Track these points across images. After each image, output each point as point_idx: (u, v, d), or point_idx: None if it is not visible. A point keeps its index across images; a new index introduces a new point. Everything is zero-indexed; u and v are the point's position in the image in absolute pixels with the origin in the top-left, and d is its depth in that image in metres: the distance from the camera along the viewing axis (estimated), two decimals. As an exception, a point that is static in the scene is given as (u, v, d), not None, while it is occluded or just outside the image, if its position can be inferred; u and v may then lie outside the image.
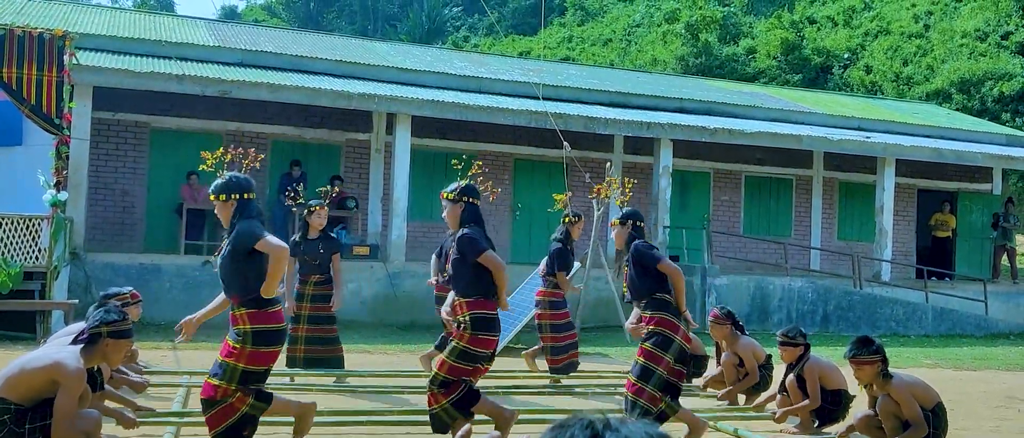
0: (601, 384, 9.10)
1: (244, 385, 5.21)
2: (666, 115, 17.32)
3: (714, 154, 18.50)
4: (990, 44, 31.62)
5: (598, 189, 6.61)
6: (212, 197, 5.41)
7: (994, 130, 22.43)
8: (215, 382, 5.23)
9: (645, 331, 6.29)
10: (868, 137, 18.04)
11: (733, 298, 15.20)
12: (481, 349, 5.80)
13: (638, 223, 6.45)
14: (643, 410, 6.10)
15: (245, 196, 5.37)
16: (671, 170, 16.19)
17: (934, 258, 19.47)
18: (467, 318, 5.83)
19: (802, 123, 19.35)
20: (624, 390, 6.28)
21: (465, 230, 5.88)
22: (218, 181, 5.45)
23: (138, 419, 5.99)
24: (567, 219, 9.38)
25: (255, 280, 5.22)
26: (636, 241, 6.37)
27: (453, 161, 6.17)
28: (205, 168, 5.57)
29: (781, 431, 7.29)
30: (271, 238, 5.22)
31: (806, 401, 7.18)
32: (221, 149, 5.76)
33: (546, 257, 9.29)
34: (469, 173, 6.28)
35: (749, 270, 17.39)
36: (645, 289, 6.23)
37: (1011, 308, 17.68)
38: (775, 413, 7.37)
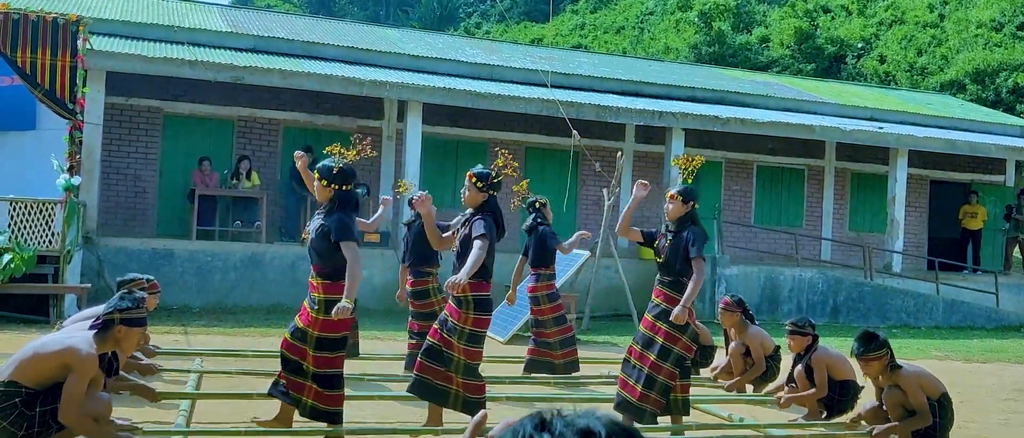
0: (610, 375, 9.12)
1: (318, 351, 5.67)
2: (678, 104, 17.27)
3: (726, 144, 18.45)
4: (1005, 34, 31.40)
5: (687, 160, 6.55)
6: (316, 176, 5.87)
7: (1008, 121, 22.30)
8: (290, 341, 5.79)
9: (659, 308, 6.43)
10: (881, 127, 17.96)
11: (743, 288, 15.20)
12: (483, 329, 6.10)
13: (695, 205, 6.53)
14: (662, 386, 6.33)
15: (343, 187, 5.79)
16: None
17: (962, 250, 19.36)
18: (470, 299, 5.99)
19: (815, 113, 19.28)
20: (634, 360, 6.46)
21: (481, 215, 6.10)
22: (324, 164, 5.87)
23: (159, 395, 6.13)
24: (539, 204, 9.06)
25: (339, 261, 5.67)
26: (695, 226, 6.43)
27: (498, 149, 6.35)
28: (334, 151, 6.02)
29: (790, 421, 7.31)
30: (353, 247, 5.66)
31: (813, 390, 7.21)
32: (352, 143, 6.18)
33: (535, 247, 8.86)
34: (498, 163, 6.47)
35: (760, 260, 17.37)
36: (676, 270, 6.35)
37: (1022, 300, 17.61)
38: (780, 399, 7.39)
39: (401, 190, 10.21)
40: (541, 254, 8.83)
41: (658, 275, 6.52)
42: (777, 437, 6.55)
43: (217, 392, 6.86)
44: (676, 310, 6.24)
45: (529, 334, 9.08)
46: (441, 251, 7.63)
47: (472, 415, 5.93)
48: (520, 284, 8.98)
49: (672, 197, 6.53)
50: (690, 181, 6.80)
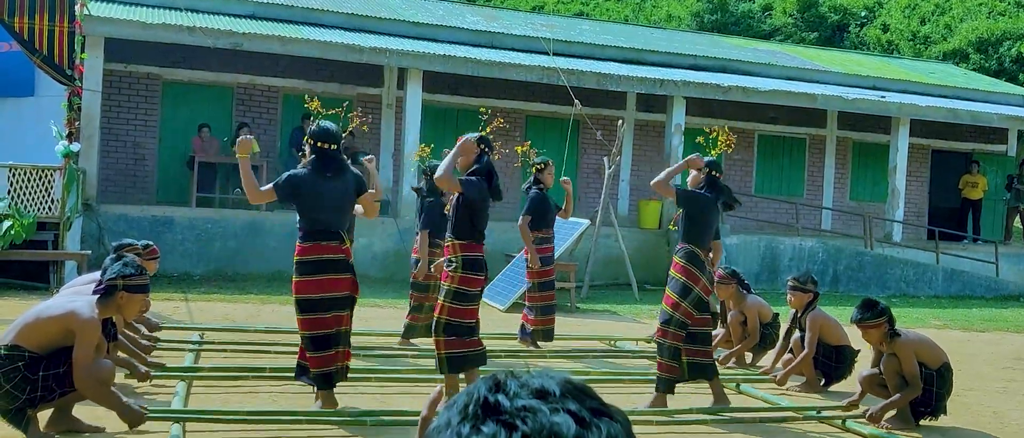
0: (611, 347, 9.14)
1: (301, 313, 5.81)
2: (679, 72, 17.18)
3: (727, 112, 18.38)
4: (1009, 3, 31.19)
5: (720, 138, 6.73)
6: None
7: (1011, 91, 22.20)
8: None
9: (670, 277, 6.54)
10: (883, 96, 17.88)
11: (743, 257, 15.21)
12: (471, 288, 6.05)
13: (714, 173, 6.57)
14: (670, 350, 6.40)
15: (318, 143, 5.91)
16: (684, 128, 16.10)
17: (962, 219, 19.37)
18: (459, 259, 6.04)
19: (817, 82, 19.18)
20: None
21: (467, 176, 6.11)
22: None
23: (150, 372, 6.11)
24: (536, 168, 8.91)
25: (307, 221, 5.86)
26: (708, 192, 6.51)
27: (480, 109, 6.37)
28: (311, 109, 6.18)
29: (787, 390, 7.34)
30: (276, 185, 5.89)
31: (804, 353, 7.23)
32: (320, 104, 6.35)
33: (527, 209, 8.76)
34: (488, 128, 6.52)
35: (760, 230, 17.37)
36: (683, 236, 6.48)
37: (1022, 270, 17.63)
38: (775, 376, 7.41)
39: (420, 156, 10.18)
40: (535, 216, 8.69)
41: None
42: (773, 418, 6.50)
43: (215, 371, 6.83)
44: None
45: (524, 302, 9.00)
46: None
47: (456, 374, 5.95)
48: (522, 248, 8.96)
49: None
50: (717, 154, 6.94)
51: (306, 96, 7.16)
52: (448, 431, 1.09)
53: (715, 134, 7.00)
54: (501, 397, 1.09)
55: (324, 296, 5.78)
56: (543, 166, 8.88)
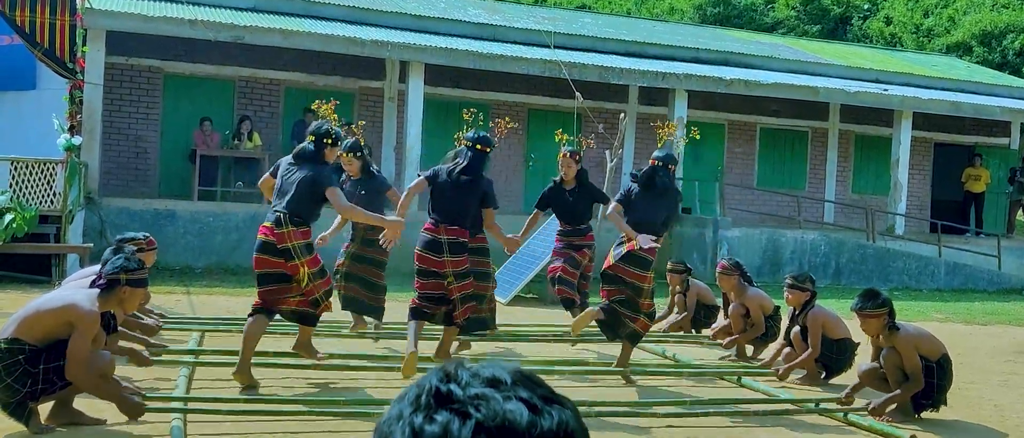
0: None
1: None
2: (681, 65, 17.15)
3: (729, 105, 18.36)
4: (1013, -4, 31.11)
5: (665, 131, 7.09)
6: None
7: (1014, 84, 22.13)
8: None
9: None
10: (886, 89, 17.85)
11: (745, 250, 15.19)
12: (418, 264, 6.74)
13: (656, 163, 7.21)
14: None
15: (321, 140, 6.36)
16: (685, 121, 16.08)
17: (965, 212, 19.33)
18: None
19: (819, 75, 19.15)
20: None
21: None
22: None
23: (151, 358, 6.12)
24: None
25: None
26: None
27: (464, 111, 6.65)
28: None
29: (788, 383, 7.34)
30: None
31: (808, 352, 7.23)
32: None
33: None
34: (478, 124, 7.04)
35: (762, 222, 17.35)
36: None
37: (1025, 264, 17.61)
38: (778, 370, 7.40)
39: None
40: (546, 209, 8.90)
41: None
42: (774, 411, 6.50)
43: (219, 360, 6.84)
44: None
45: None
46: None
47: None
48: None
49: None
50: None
51: (314, 102, 7.49)
52: (400, 423, 1.09)
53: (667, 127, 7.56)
54: (453, 387, 1.10)
55: (257, 272, 6.23)
56: (561, 156, 8.73)
